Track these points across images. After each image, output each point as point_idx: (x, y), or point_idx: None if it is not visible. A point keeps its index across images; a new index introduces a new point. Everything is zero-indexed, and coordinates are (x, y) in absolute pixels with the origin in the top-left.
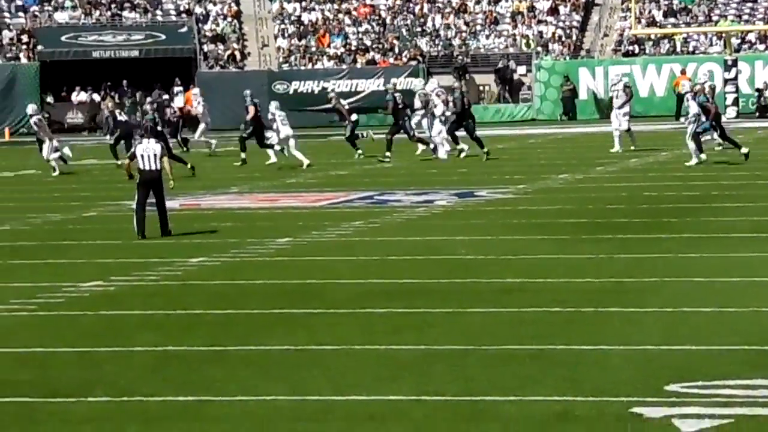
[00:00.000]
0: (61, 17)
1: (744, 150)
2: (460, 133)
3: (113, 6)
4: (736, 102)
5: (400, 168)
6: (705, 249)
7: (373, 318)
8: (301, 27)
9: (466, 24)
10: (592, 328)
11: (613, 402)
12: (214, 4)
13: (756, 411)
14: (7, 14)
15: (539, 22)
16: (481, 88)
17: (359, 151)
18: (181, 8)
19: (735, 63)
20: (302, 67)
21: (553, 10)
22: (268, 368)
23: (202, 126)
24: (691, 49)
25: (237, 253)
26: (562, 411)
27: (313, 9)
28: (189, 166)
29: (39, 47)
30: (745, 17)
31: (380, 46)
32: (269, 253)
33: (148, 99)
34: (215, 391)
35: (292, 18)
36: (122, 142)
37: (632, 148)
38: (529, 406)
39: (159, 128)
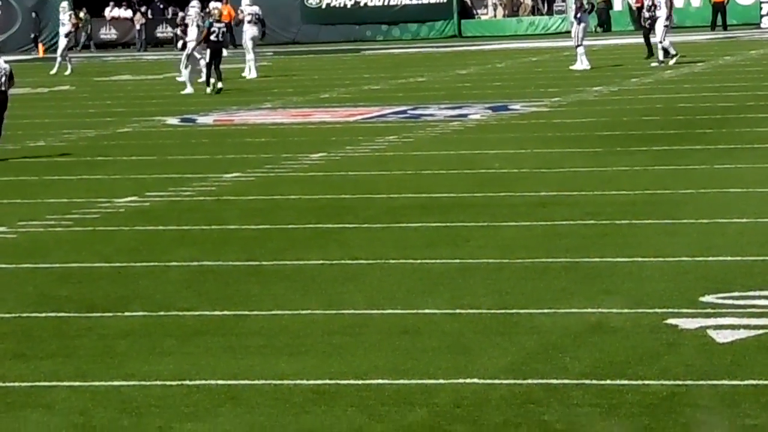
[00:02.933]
0: None
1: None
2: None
3: None
4: None
5: (434, 82)
6: (740, 159)
7: (407, 232)
8: None
9: None
10: (626, 240)
11: (648, 313)
12: None
13: None
14: None
15: None
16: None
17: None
18: None
19: None
20: None
21: None
22: (303, 283)
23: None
24: None
25: (271, 168)
26: (596, 323)
27: None
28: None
29: None
30: None
31: None
32: (303, 169)
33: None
34: (251, 306)
35: None
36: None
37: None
38: (563, 318)
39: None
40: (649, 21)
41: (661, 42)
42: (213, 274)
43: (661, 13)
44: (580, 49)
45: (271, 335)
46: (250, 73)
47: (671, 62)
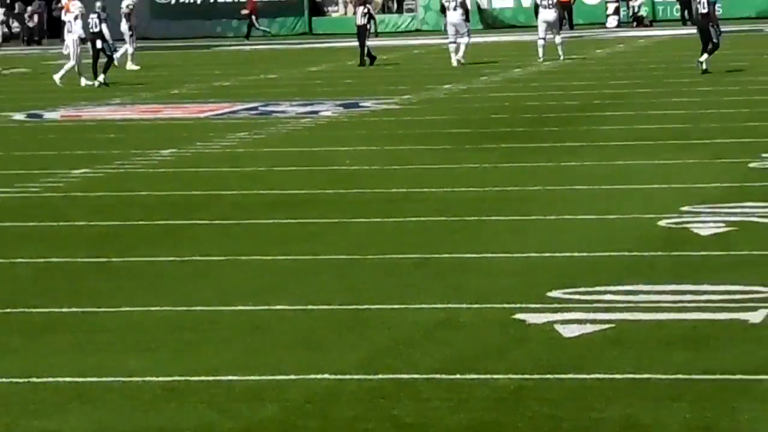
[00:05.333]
0: None
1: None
2: None
3: None
4: (617, 11)
5: (285, 79)
6: (586, 157)
7: (258, 228)
8: None
9: None
10: (475, 236)
11: (496, 308)
12: None
13: (637, 316)
14: None
15: None
16: None
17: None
18: None
19: None
20: None
21: None
22: (153, 279)
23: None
24: None
25: (120, 164)
26: (446, 318)
27: None
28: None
29: None
30: None
31: None
32: (153, 165)
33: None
34: (100, 303)
35: None
36: None
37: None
38: (413, 314)
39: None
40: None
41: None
42: (61, 271)
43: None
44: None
45: (120, 332)
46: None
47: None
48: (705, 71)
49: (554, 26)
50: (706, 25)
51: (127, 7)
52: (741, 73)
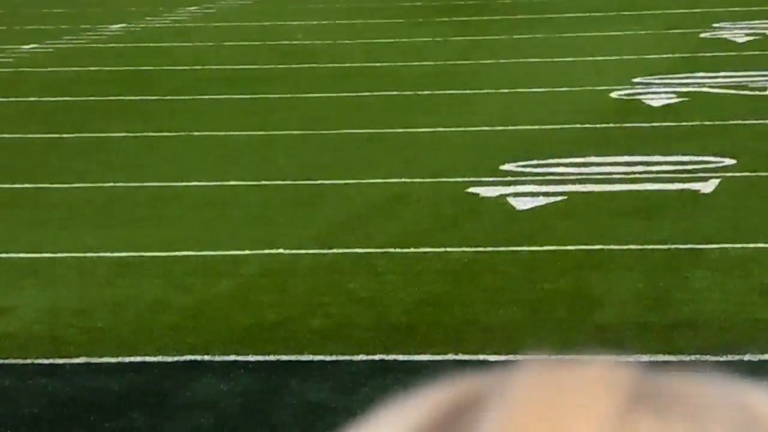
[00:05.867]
0: None
1: None
2: None
3: None
4: None
5: None
6: (538, 30)
7: (211, 104)
8: None
9: None
10: (428, 110)
11: (450, 182)
12: None
13: (588, 187)
14: None
15: None
16: None
17: None
18: None
19: None
20: None
21: None
22: (106, 155)
23: None
24: None
25: (70, 39)
26: (400, 192)
27: None
28: None
29: None
30: None
31: None
32: (103, 40)
33: None
34: (52, 179)
35: None
36: None
37: None
38: (368, 188)
39: None
40: None
41: None
42: (13, 147)
43: None
44: None
45: (73, 208)
46: None
47: None
48: None
49: None
50: None
51: None
52: None
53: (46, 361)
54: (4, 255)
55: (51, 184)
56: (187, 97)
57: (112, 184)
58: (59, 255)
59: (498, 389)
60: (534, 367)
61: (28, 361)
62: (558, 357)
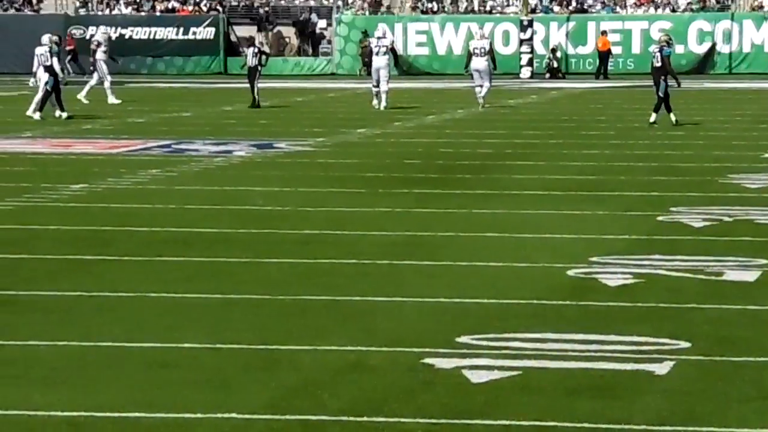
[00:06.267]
0: None
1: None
2: None
3: None
4: (530, 62)
5: (199, 117)
6: (497, 205)
7: (168, 266)
8: None
9: None
10: (386, 280)
11: (406, 352)
12: None
13: (544, 363)
14: None
15: None
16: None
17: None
18: None
19: (531, 24)
20: (99, 12)
21: None
22: (59, 314)
23: None
24: (488, 8)
25: (30, 197)
26: (355, 360)
27: None
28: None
29: None
30: None
31: None
32: (63, 199)
33: None
34: (4, 336)
35: None
36: None
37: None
38: (323, 356)
39: None
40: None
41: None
42: None
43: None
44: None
45: (25, 366)
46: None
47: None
48: (652, 124)
49: (485, 74)
50: (659, 78)
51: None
52: (655, 128)
53: None
54: None
55: (4, 341)
56: (144, 258)
57: (65, 342)
58: (9, 412)
59: None
60: None
61: None
62: None
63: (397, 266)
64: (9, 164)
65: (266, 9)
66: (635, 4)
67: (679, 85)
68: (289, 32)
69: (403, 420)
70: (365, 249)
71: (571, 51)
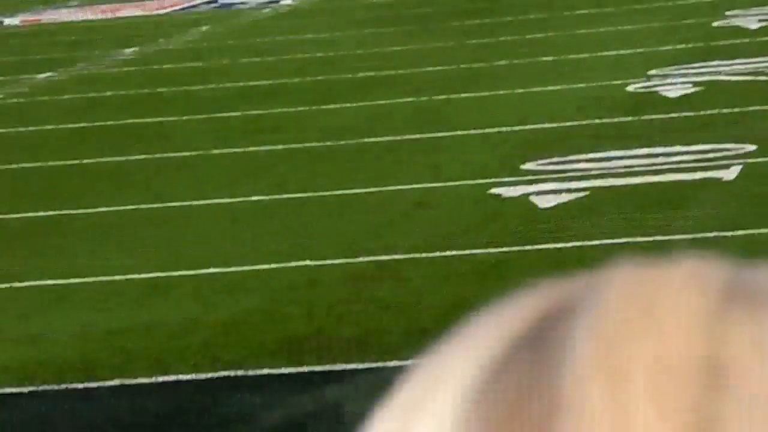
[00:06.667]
0: None
1: None
2: None
3: None
4: None
5: None
6: (550, 28)
7: (228, 121)
8: None
9: None
10: (446, 114)
11: (472, 185)
12: None
13: (611, 182)
14: None
15: None
16: None
17: None
18: None
19: None
20: None
21: None
22: (126, 178)
23: None
24: None
25: (84, 66)
26: (423, 197)
27: None
28: None
29: None
30: None
31: None
32: (117, 64)
33: None
34: (75, 204)
35: None
36: None
37: None
38: (389, 196)
39: None
40: None
41: None
42: (34, 176)
43: None
44: None
45: (98, 232)
46: None
47: None
48: None
49: None
50: None
51: None
52: None
53: (80, 386)
54: (32, 283)
55: (75, 210)
56: (203, 116)
57: (134, 206)
58: (87, 280)
59: (589, 295)
60: (624, 268)
61: (63, 386)
62: (646, 259)
63: (455, 100)
64: (59, 34)
65: None
66: None
67: None
68: None
69: (475, 252)
70: (422, 86)
71: None
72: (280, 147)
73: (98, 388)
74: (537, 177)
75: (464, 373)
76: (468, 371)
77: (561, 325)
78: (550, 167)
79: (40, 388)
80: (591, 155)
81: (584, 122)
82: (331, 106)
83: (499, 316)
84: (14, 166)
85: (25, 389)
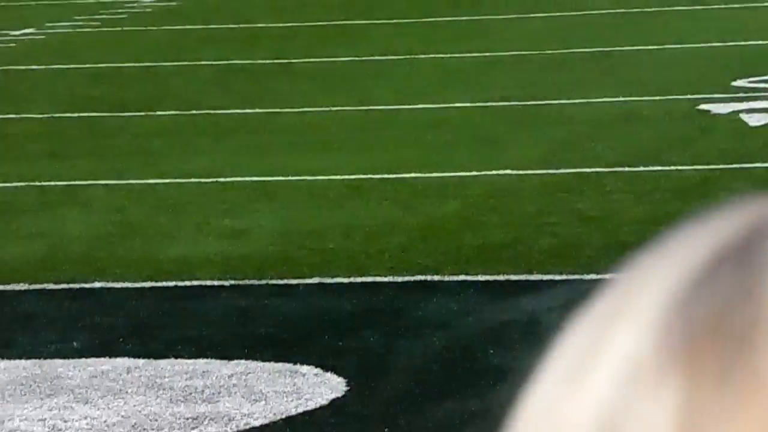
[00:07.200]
0: None
1: None
2: None
3: None
4: None
5: None
6: None
7: (435, 27)
8: None
9: None
10: (655, 27)
11: (679, 100)
12: None
13: None
14: None
15: None
16: None
17: None
18: None
19: None
20: None
21: None
22: (332, 79)
23: None
24: None
25: None
26: (628, 111)
27: None
28: None
29: None
30: None
31: None
32: None
33: None
34: (281, 104)
35: None
36: None
37: None
38: (594, 108)
39: None
40: None
41: None
42: (243, 72)
43: None
44: None
45: (302, 132)
46: None
47: None
48: None
49: None
50: None
51: None
52: None
53: (280, 282)
54: (237, 179)
55: (280, 108)
56: (411, 20)
57: (338, 108)
58: (290, 178)
59: None
60: None
61: (264, 282)
62: None
63: (665, 12)
64: None
65: None
66: None
67: None
68: None
69: (680, 168)
70: None
71: None
72: (485, 54)
73: (297, 285)
74: (748, 94)
75: (669, 280)
76: (673, 279)
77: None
78: (763, 85)
79: (242, 282)
80: None
81: None
82: (539, 14)
83: (707, 227)
84: (224, 62)
85: (227, 282)
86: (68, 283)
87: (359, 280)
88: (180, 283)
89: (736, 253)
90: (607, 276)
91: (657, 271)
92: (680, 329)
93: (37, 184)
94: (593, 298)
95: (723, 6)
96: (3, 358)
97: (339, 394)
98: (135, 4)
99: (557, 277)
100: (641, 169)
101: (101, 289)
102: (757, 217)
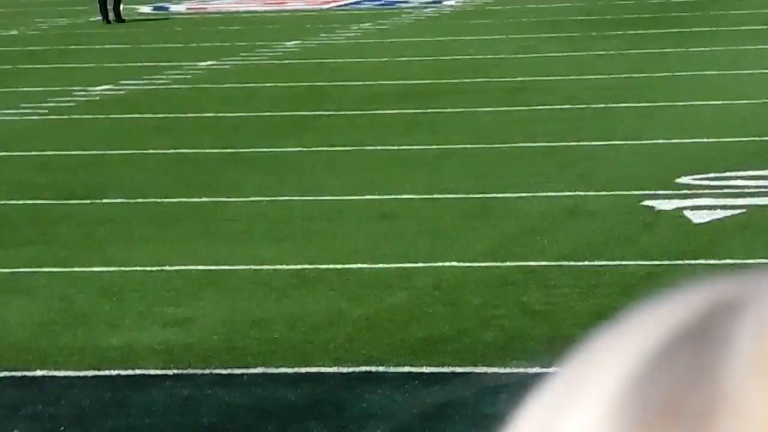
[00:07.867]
0: None
1: None
2: None
3: None
4: None
5: None
6: (715, 42)
7: (384, 119)
8: None
9: None
10: (603, 123)
11: (625, 195)
12: None
13: (767, 201)
14: None
15: None
16: None
17: None
18: None
19: None
20: None
21: None
22: (281, 169)
23: None
24: None
25: (246, 56)
26: (574, 206)
27: None
28: None
29: None
30: None
31: None
32: (278, 56)
33: None
34: (229, 193)
35: None
36: None
37: None
38: (541, 202)
39: None
40: None
41: None
42: (190, 162)
43: None
44: None
45: (249, 221)
46: None
47: None
48: None
49: None
50: None
51: None
52: None
53: (224, 371)
54: (182, 267)
55: (228, 197)
56: (360, 112)
57: (287, 197)
58: (236, 267)
59: (754, 293)
60: None
61: (207, 371)
62: None
63: (613, 109)
64: (224, 23)
65: None
66: None
67: None
68: None
69: (624, 263)
70: (580, 93)
71: None
72: (433, 147)
73: (241, 375)
74: (692, 191)
75: (625, 360)
76: (629, 358)
77: (724, 321)
78: (707, 182)
79: (186, 371)
80: (749, 173)
81: (744, 139)
82: (488, 109)
83: (661, 309)
84: (172, 151)
85: (170, 371)
86: (10, 371)
87: (304, 370)
88: (123, 372)
89: (692, 332)
90: (551, 369)
91: (613, 351)
92: (637, 408)
93: None
94: (544, 383)
95: (669, 103)
96: None
97: None
98: (83, 93)
99: (502, 370)
100: (586, 263)
101: (43, 377)
102: (711, 298)
